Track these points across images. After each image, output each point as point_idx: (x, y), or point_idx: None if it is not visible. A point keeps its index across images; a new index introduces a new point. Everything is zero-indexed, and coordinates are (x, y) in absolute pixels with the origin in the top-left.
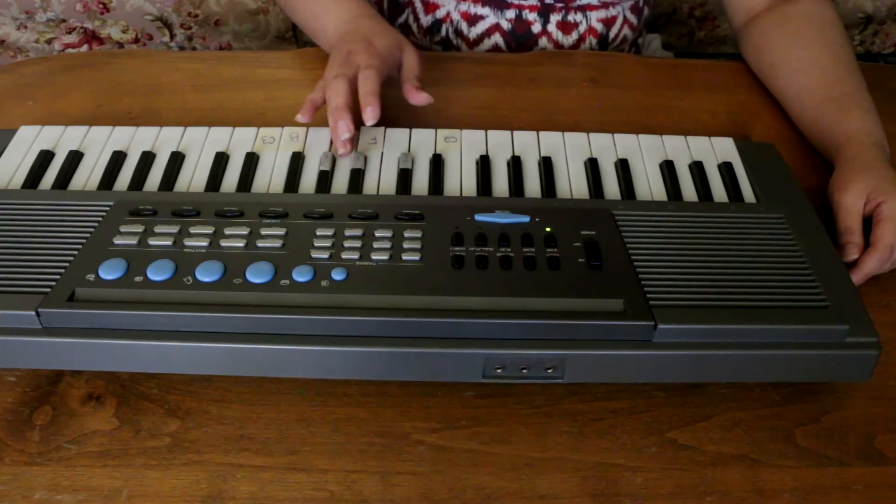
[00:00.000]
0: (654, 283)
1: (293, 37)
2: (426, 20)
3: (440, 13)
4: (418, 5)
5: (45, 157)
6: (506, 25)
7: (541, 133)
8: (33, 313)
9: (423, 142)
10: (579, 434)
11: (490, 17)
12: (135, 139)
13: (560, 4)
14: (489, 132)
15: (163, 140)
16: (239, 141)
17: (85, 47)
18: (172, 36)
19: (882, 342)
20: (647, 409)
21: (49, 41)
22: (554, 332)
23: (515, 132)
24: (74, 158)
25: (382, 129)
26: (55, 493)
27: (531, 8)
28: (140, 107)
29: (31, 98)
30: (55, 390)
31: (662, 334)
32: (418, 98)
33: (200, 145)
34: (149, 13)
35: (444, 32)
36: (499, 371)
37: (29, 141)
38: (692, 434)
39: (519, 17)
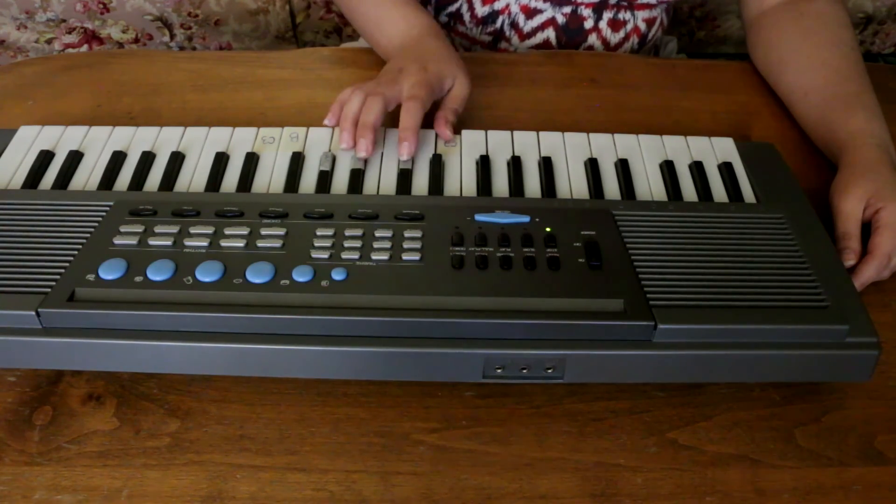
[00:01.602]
0: (654, 283)
1: (293, 37)
2: (482, 10)
3: (498, 5)
4: None
5: (45, 157)
6: (560, 20)
7: (541, 133)
8: (33, 313)
9: (424, 142)
10: (579, 434)
11: (548, 11)
12: (135, 139)
13: (613, 1)
14: (489, 132)
15: (163, 140)
16: (239, 141)
17: (85, 47)
18: (172, 36)
19: (882, 342)
20: (647, 409)
21: (49, 41)
22: (554, 332)
23: (515, 132)
24: (74, 158)
25: (383, 129)
26: (55, 493)
27: (588, 4)
28: (140, 107)
29: (31, 98)
30: (55, 390)
31: (662, 334)
32: (443, 132)
33: (200, 145)
34: (149, 13)
35: (499, 24)
36: (499, 371)
37: (29, 141)
38: (692, 434)
39: (574, 12)
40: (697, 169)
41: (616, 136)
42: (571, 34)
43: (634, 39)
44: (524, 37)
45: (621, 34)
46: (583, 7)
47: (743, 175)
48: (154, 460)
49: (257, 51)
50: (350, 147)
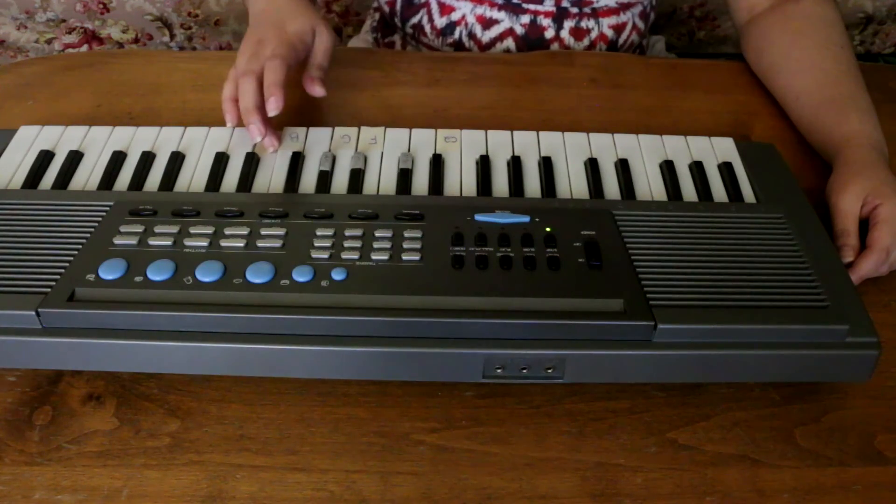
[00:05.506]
0: (654, 283)
1: None
2: (441, 22)
3: (455, 15)
4: (434, 6)
5: (45, 157)
6: (519, 30)
7: (541, 133)
8: (33, 313)
9: (423, 142)
10: (579, 434)
11: (505, 21)
12: (135, 139)
13: (575, 10)
14: (489, 132)
15: (163, 140)
16: (239, 141)
17: (85, 47)
18: (172, 36)
19: (882, 342)
20: (647, 409)
21: (49, 41)
22: (554, 332)
23: (515, 132)
24: (74, 158)
25: (382, 129)
26: (55, 493)
27: (546, 14)
28: (140, 107)
29: (31, 98)
30: (55, 390)
31: (662, 334)
32: (312, 89)
33: (200, 145)
34: (149, 13)
35: (457, 35)
36: (499, 371)
37: (29, 141)
38: (692, 434)
39: (533, 22)
40: (697, 169)
41: (616, 136)
42: (532, 44)
43: (601, 46)
44: (483, 47)
45: (585, 42)
46: (541, 17)
47: (743, 175)
48: (154, 460)
49: None
50: (263, 134)
